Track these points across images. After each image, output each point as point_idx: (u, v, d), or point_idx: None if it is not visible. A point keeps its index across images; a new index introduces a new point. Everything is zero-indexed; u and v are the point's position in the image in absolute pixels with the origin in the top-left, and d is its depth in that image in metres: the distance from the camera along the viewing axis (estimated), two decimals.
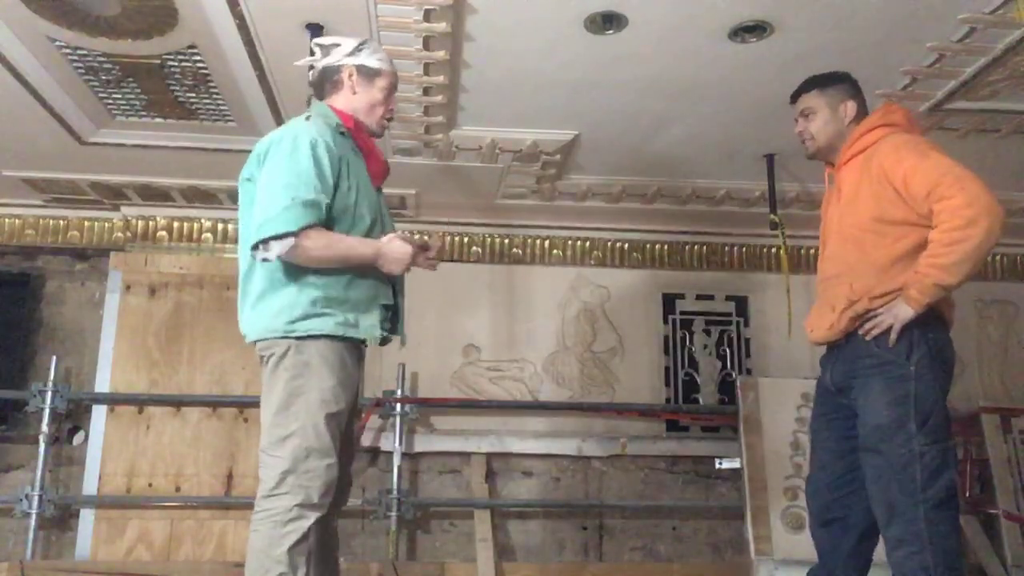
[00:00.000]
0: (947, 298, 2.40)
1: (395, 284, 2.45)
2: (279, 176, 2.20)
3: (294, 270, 2.24)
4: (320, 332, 2.22)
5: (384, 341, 2.42)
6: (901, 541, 2.31)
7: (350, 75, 2.39)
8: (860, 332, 2.43)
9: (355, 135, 2.41)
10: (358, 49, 2.40)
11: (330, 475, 2.21)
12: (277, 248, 2.17)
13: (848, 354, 2.49)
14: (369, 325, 2.32)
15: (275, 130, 2.38)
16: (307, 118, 2.37)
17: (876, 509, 2.40)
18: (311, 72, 2.48)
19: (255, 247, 2.19)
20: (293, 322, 2.22)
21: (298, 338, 2.22)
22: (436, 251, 2.47)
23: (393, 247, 2.31)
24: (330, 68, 2.41)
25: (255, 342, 2.31)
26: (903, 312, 2.34)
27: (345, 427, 2.34)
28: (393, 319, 2.44)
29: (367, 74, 2.39)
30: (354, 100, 2.40)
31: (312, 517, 2.17)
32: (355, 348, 2.34)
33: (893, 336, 2.36)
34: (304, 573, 2.15)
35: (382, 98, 2.42)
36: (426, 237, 2.47)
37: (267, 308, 2.26)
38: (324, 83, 2.43)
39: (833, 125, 2.59)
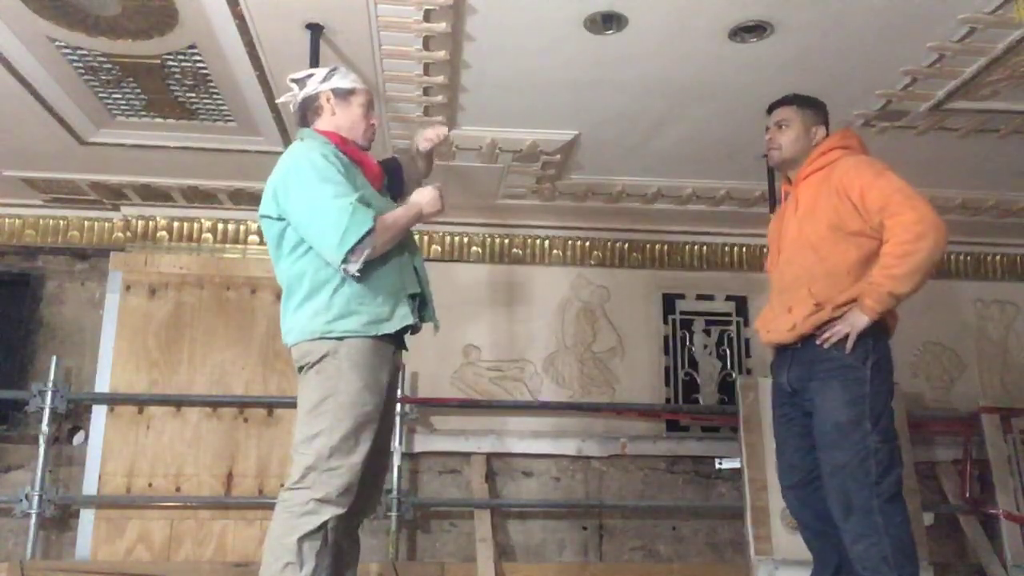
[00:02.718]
0: (892, 310, 2.60)
1: (419, 273, 2.54)
2: (322, 192, 2.32)
3: (326, 274, 2.36)
4: (352, 331, 2.33)
5: (415, 330, 2.55)
6: (860, 535, 2.50)
7: (328, 99, 2.52)
8: (818, 340, 2.60)
9: (343, 148, 2.49)
10: (330, 75, 2.54)
11: (352, 475, 2.29)
12: (368, 248, 2.29)
13: (805, 357, 2.67)
14: (402, 315, 2.42)
15: (279, 164, 2.47)
16: (301, 139, 2.52)
17: (833, 503, 2.58)
18: (293, 107, 2.60)
19: (345, 259, 2.28)
20: (330, 322, 2.33)
21: (333, 338, 2.33)
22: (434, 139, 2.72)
23: (424, 199, 2.52)
24: (309, 98, 2.54)
25: (292, 349, 2.42)
26: (859, 321, 2.53)
27: (378, 432, 2.41)
28: (421, 307, 2.55)
29: (343, 95, 2.53)
30: (336, 120, 2.53)
31: (328, 513, 2.26)
32: (386, 347, 2.42)
33: (850, 344, 2.54)
34: (312, 567, 2.22)
35: (361, 114, 2.56)
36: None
37: (306, 311, 2.37)
38: (306, 112, 2.56)
39: (802, 142, 2.79)
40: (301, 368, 2.41)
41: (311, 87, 2.53)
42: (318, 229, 2.31)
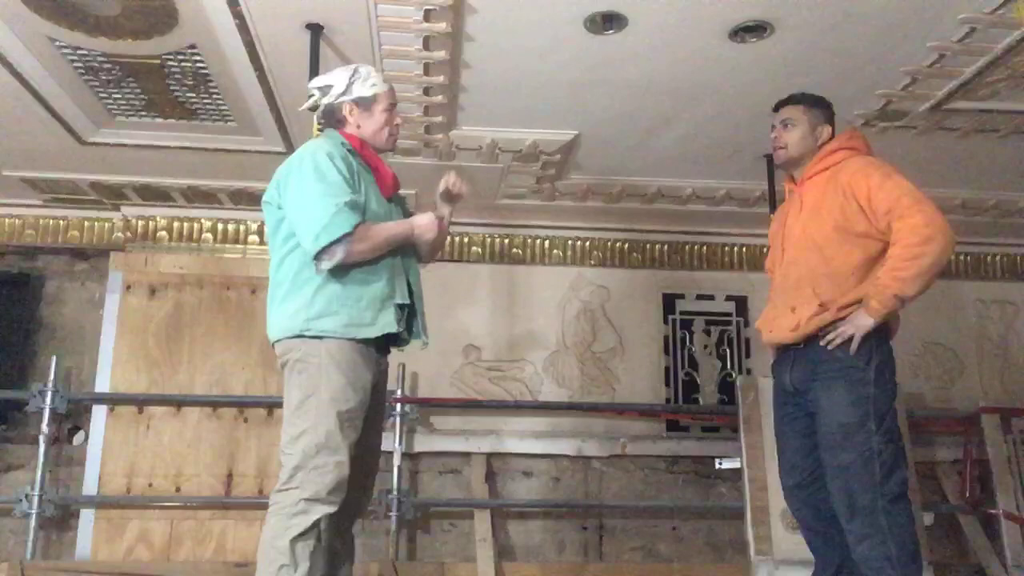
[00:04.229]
0: (896, 312, 2.59)
1: (411, 285, 2.53)
2: (314, 189, 2.35)
3: (311, 272, 2.36)
4: (331, 332, 2.33)
5: (402, 342, 2.54)
6: (864, 535, 2.49)
7: (350, 111, 2.52)
8: (822, 342, 2.59)
9: (361, 152, 2.52)
10: (350, 83, 2.51)
11: (340, 472, 2.29)
12: (340, 251, 2.31)
13: (808, 357, 2.66)
14: (385, 322, 2.40)
15: (292, 155, 2.50)
16: (317, 136, 2.56)
17: (837, 504, 2.58)
18: (316, 113, 2.60)
19: (317, 257, 2.31)
20: (309, 320, 2.34)
21: (312, 337, 2.33)
22: (454, 186, 2.69)
23: (421, 221, 2.52)
24: (331, 107, 2.54)
25: (275, 345, 2.44)
26: (864, 322, 2.53)
27: (366, 431, 2.42)
28: (410, 320, 2.53)
29: (364, 105, 2.52)
30: (360, 131, 2.54)
31: (319, 511, 2.25)
32: (367, 350, 2.41)
33: (854, 346, 2.54)
34: (307, 568, 2.21)
35: (384, 120, 2.54)
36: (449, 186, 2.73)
37: (287, 308, 2.38)
38: (331, 121, 2.56)
39: (808, 142, 2.77)
40: (284, 365, 2.42)
41: (332, 97, 2.52)
42: (302, 222, 2.35)
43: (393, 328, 2.41)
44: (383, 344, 2.48)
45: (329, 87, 2.53)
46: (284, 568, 2.20)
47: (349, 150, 2.48)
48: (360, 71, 2.54)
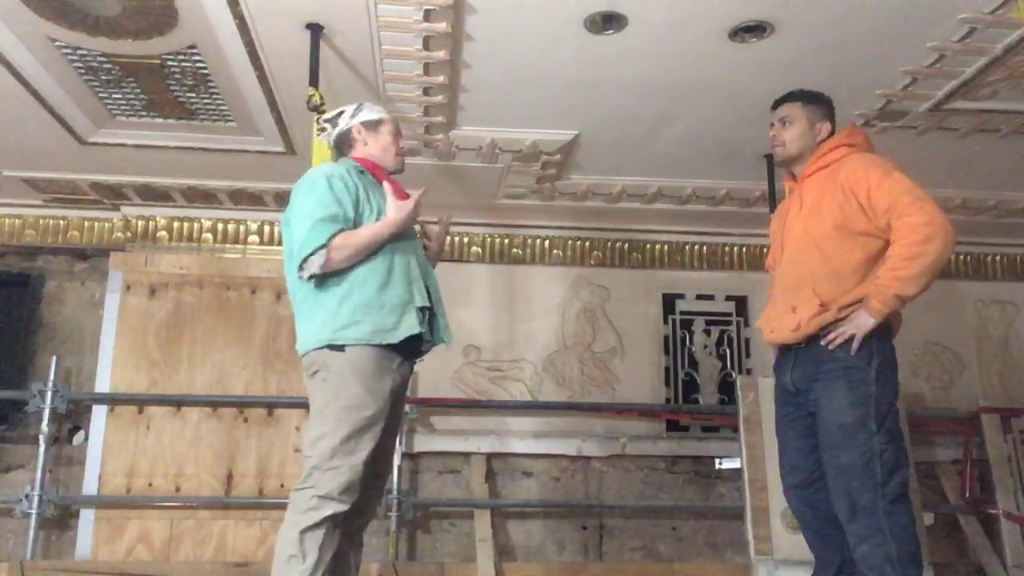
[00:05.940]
0: (898, 311, 2.57)
1: (431, 292, 2.61)
2: (303, 208, 2.50)
3: (331, 284, 2.47)
4: (357, 340, 2.42)
5: (425, 347, 2.62)
6: (865, 536, 2.48)
7: (359, 132, 2.69)
8: (823, 342, 2.58)
9: (371, 171, 2.65)
10: (358, 110, 2.71)
11: (353, 473, 2.37)
12: (317, 262, 2.43)
13: (809, 357, 2.64)
14: (408, 325, 2.49)
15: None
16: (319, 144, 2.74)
17: (837, 504, 2.56)
18: (328, 145, 2.77)
19: (300, 268, 2.46)
20: (336, 330, 2.44)
21: (338, 347, 2.43)
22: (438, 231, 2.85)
23: (397, 209, 2.53)
24: (342, 133, 2.71)
25: (303, 358, 2.53)
26: (865, 322, 2.51)
27: (383, 437, 2.48)
28: (431, 325, 2.61)
29: (371, 126, 2.70)
30: (368, 149, 2.69)
31: (328, 509, 2.33)
32: (390, 357, 2.49)
33: (855, 345, 2.53)
34: (314, 560, 2.29)
35: (391, 140, 2.71)
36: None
37: (314, 321, 2.49)
38: (342, 146, 2.73)
39: (807, 139, 2.76)
40: (312, 375, 2.49)
41: (343, 124, 2.69)
42: (296, 239, 2.47)
43: (416, 329, 2.48)
44: (408, 351, 2.55)
45: (339, 115, 2.70)
46: (293, 559, 2.28)
47: (360, 171, 2.60)
48: (365, 103, 2.73)
